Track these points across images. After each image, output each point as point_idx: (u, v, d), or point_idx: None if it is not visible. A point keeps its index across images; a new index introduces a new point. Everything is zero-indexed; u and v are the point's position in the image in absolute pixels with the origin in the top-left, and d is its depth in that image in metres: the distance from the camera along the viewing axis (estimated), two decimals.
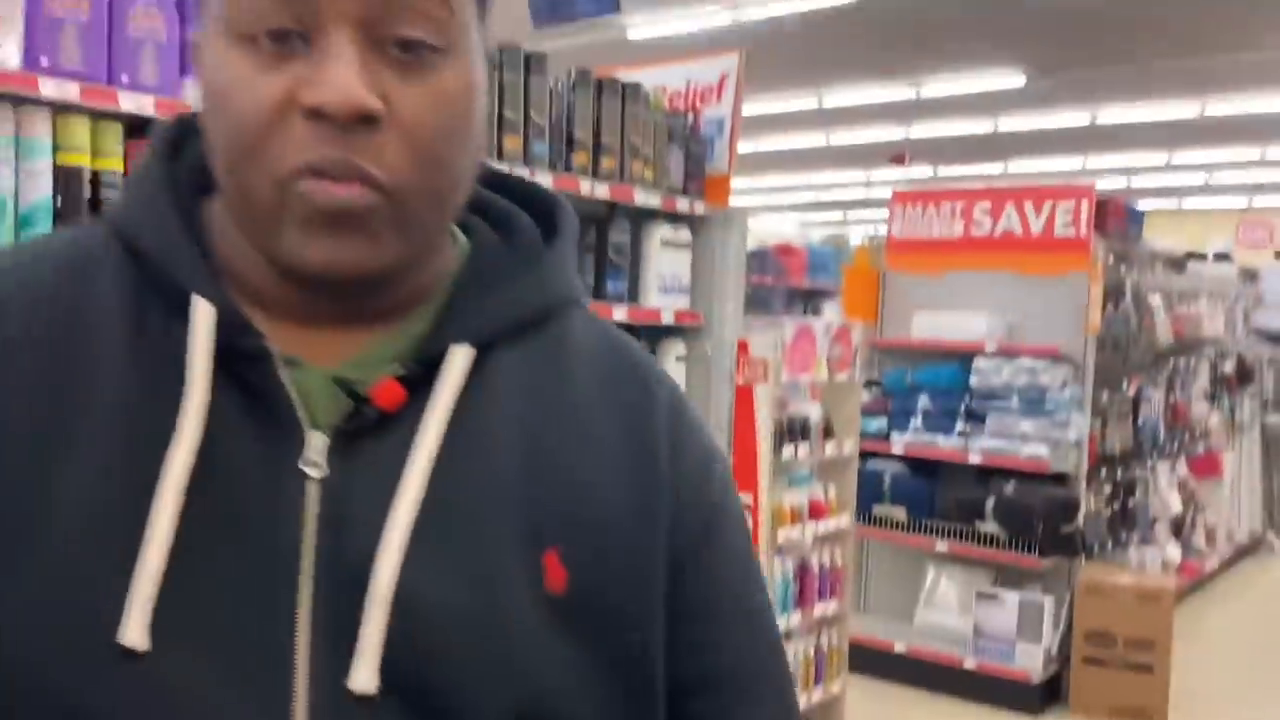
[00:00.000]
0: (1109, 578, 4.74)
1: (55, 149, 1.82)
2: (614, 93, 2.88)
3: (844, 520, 3.34)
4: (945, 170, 16.09)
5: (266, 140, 0.60)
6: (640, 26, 8.99)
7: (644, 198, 2.94)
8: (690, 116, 3.20)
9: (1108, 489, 5.25)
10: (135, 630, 0.58)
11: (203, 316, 0.63)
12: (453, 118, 0.63)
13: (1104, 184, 15.93)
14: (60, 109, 1.83)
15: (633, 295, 3.04)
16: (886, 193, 16.54)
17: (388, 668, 0.60)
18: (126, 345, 0.64)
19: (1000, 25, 8.89)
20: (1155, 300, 5.64)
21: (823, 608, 3.30)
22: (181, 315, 0.64)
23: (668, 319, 3.05)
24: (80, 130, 1.85)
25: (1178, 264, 6.56)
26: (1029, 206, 4.88)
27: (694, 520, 0.72)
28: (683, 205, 3.08)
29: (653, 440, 0.72)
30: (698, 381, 3.16)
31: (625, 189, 2.89)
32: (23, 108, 1.79)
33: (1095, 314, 4.77)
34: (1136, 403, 5.53)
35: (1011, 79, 10.65)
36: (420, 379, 0.66)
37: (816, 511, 3.22)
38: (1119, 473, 5.38)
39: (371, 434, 0.64)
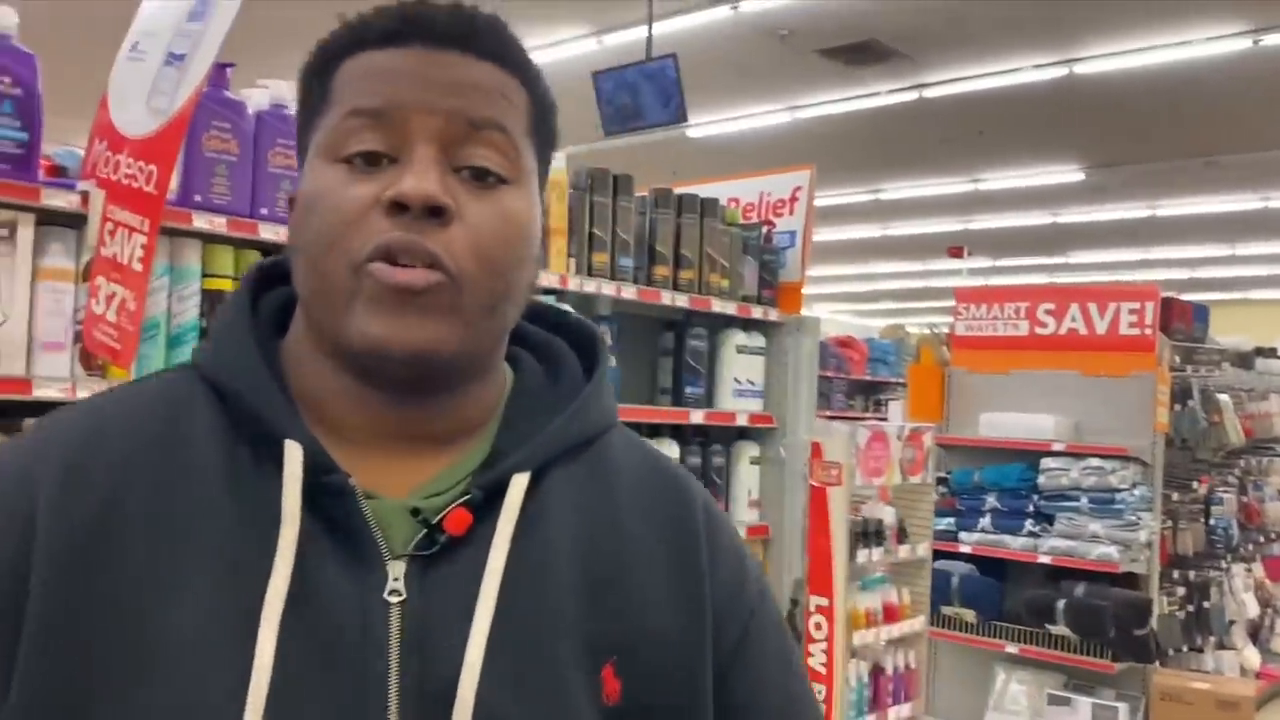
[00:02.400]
0: (1186, 683, 4.66)
1: (203, 275, 2.01)
2: (692, 208, 3.04)
3: (918, 623, 3.37)
4: (1004, 262, 16.09)
5: (350, 231, 0.69)
6: (701, 127, 9.24)
7: (720, 305, 3.08)
8: (764, 228, 3.35)
9: (1181, 591, 5.18)
10: None
11: (293, 457, 0.69)
12: (513, 232, 0.73)
13: (1166, 275, 15.81)
14: (208, 239, 2.02)
15: (709, 399, 3.16)
16: (944, 282, 16.43)
17: None
18: (223, 483, 0.70)
19: (1059, 121, 9.02)
20: (1224, 398, 5.63)
21: (897, 712, 3.32)
22: (271, 453, 0.70)
23: (742, 421, 3.15)
24: (225, 258, 2.03)
25: (1246, 360, 6.53)
26: (1093, 307, 4.93)
27: (735, 625, 0.79)
28: (757, 312, 3.21)
29: (694, 552, 0.79)
30: (771, 483, 3.25)
31: (703, 299, 3.03)
32: (177, 239, 1.98)
33: (1163, 413, 4.78)
34: (1208, 503, 5.48)
35: (1070, 173, 10.74)
36: (483, 503, 0.72)
37: (890, 615, 3.26)
38: (1191, 574, 5.31)
39: (443, 558, 0.71)
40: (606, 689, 0.71)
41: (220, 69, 2.04)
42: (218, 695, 0.63)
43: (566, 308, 0.91)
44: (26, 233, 1.80)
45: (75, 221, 1.87)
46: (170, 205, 1.90)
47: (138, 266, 1.69)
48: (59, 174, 2.04)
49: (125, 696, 0.64)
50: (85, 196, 1.84)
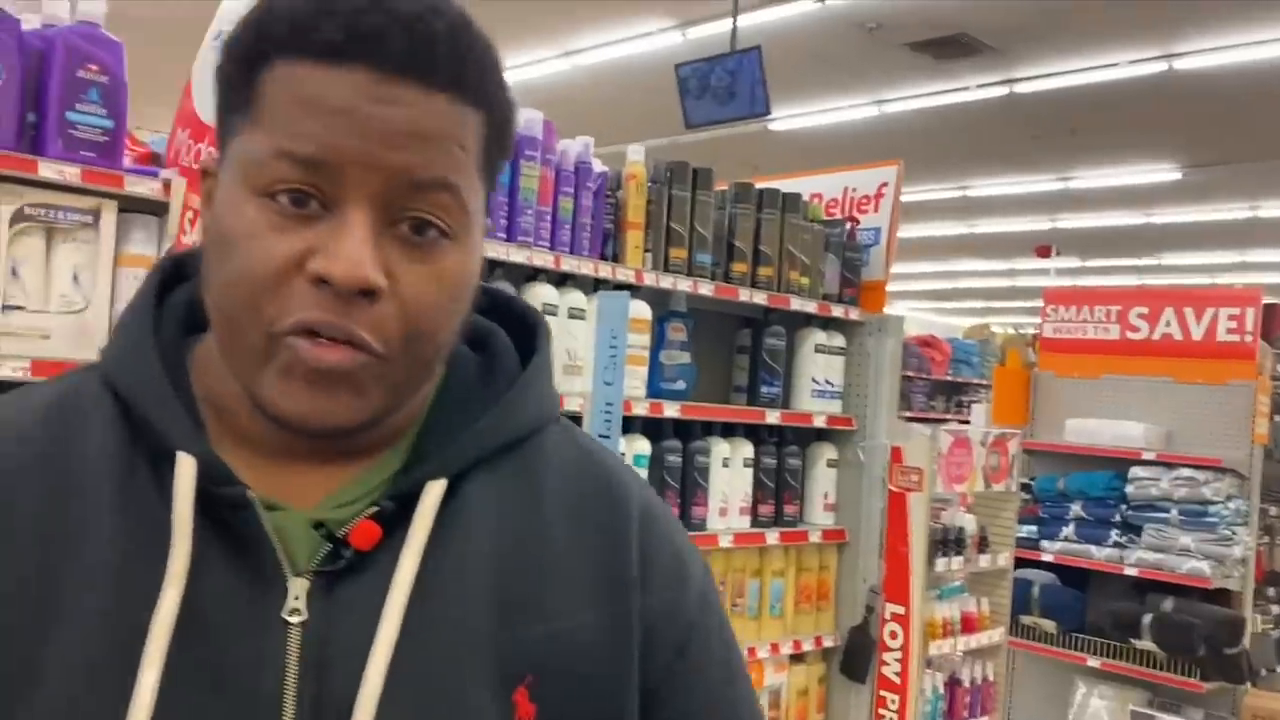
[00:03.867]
0: (1277, 706, 4.46)
1: None
2: (773, 204, 2.98)
3: (997, 634, 3.27)
4: (1094, 262, 15.65)
5: (269, 294, 0.63)
6: (785, 120, 9.14)
7: (799, 304, 3.01)
8: (847, 225, 3.27)
9: (1276, 609, 4.96)
10: None
11: (185, 472, 0.65)
12: (449, 298, 0.67)
13: (1265, 279, 15.22)
14: None
15: (786, 399, 3.09)
16: (1030, 282, 16.07)
17: None
18: (115, 496, 0.66)
19: (1154, 119, 8.73)
20: None
21: None
22: (166, 464, 0.66)
23: (819, 423, 3.08)
24: None
25: None
26: (1189, 311, 4.74)
27: (668, 640, 0.73)
28: (838, 311, 3.14)
29: (623, 564, 0.73)
30: (848, 487, 3.18)
31: (782, 297, 2.97)
32: None
33: (1262, 424, 4.57)
34: None
35: (1166, 172, 10.39)
36: (395, 514, 0.68)
37: (969, 625, 3.17)
38: None
39: (350, 573, 0.67)
40: (519, 713, 0.67)
41: None
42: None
43: (509, 290, 0.85)
44: (110, 219, 1.82)
45: (158, 209, 1.89)
46: None
47: None
48: (154, 160, 2.05)
49: (8, 716, 0.61)
50: (168, 185, 1.85)
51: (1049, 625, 4.71)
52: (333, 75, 0.63)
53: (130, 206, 1.87)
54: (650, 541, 0.75)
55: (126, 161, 1.93)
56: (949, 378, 9.44)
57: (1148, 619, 4.43)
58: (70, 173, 1.75)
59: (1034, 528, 4.83)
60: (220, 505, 0.66)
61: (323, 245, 0.63)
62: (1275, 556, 4.86)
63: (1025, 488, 4.92)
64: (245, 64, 0.66)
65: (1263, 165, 9.78)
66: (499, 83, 0.70)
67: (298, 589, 0.66)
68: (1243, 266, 15.38)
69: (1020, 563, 4.76)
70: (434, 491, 0.69)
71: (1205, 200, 11.43)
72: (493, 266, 2.41)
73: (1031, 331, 5.75)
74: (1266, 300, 4.69)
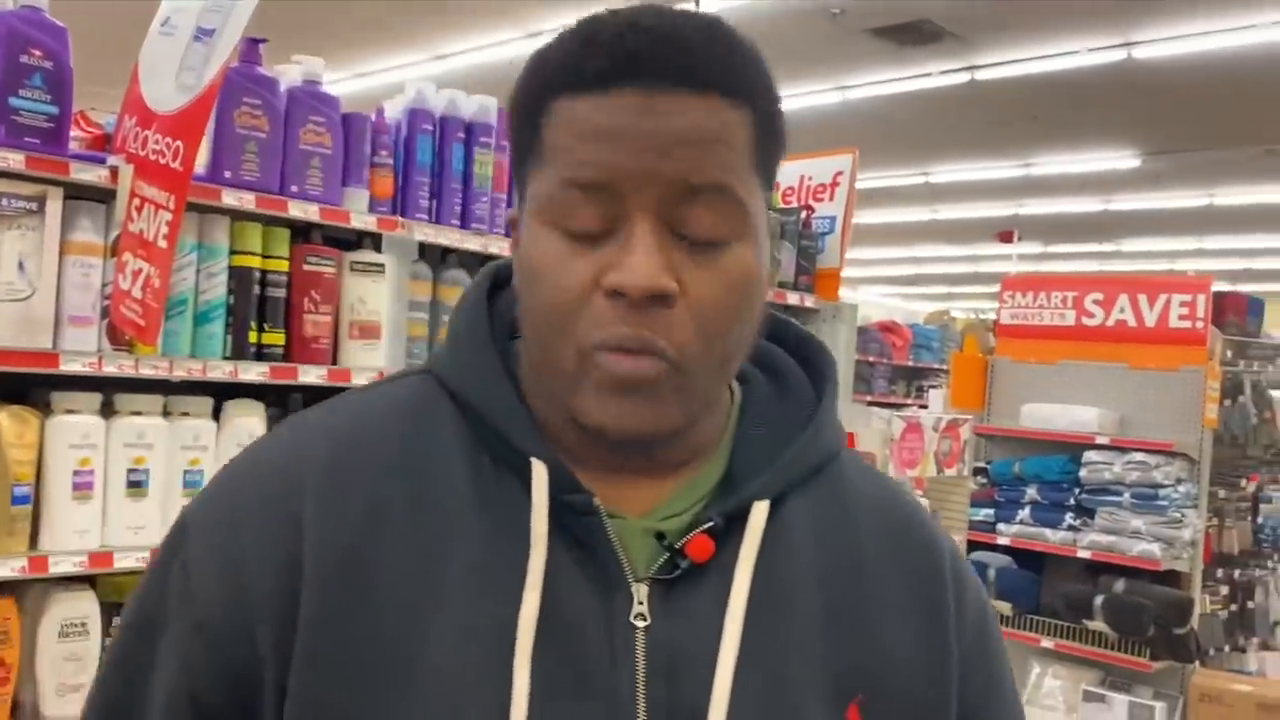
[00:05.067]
0: (1226, 684, 4.57)
1: (231, 253, 2.01)
2: None
3: None
4: (1055, 248, 15.81)
5: (574, 316, 0.68)
6: None
7: None
8: (803, 213, 3.29)
9: (1224, 590, 5.07)
10: None
11: (541, 479, 0.70)
12: (738, 298, 0.70)
13: (1221, 265, 15.46)
14: (237, 216, 2.02)
15: None
16: (992, 267, 16.20)
17: None
18: (472, 500, 0.70)
19: (1113, 106, 8.82)
20: (1276, 394, 5.48)
21: None
22: (514, 469, 0.71)
23: None
24: (254, 236, 2.03)
25: None
26: (1143, 298, 4.81)
27: (979, 675, 0.77)
28: (793, 298, 3.16)
29: (940, 598, 0.77)
30: None
31: None
32: (206, 216, 1.97)
33: (1212, 409, 4.66)
34: (1256, 501, 5.35)
35: (1125, 159, 10.51)
36: (721, 529, 0.71)
37: None
38: (1236, 573, 5.19)
39: (684, 583, 0.70)
40: None
41: (252, 44, 2.03)
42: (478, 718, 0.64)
43: (789, 318, 0.88)
44: (55, 206, 1.81)
45: (105, 196, 1.88)
46: (199, 182, 1.90)
47: (163, 243, 1.68)
48: (106, 143, 2.03)
49: (387, 713, 0.65)
50: (114, 171, 1.84)
51: (1004, 607, 4.79)
52: (604, 101, 0.67)
53: (76, 194, 1.85)
54: (961, 581, 0.80)
55: (75, 146, 1.91)
56: (909, 363, 9.52)
57: (1099, 600, 4.52)
58: (14, 159, 1.74)
59: (990, 511, 4.90)
60: (567, 511, 0.70)
61: (615, 261, 0.67)
62: (1224, 539, 4.97)
63: (982, 471, 4.99)
64: (529, 116, 0.71)
65: (1218, 154, 9.93)
66: (761, 77, 0.72)
67: (640, 594, 0.69)
68: (1200, 253, 15.61)
69: (977, 545, 4.84)
70: (760, 511, 0.72)
71: (1163, 187, 11.57)
72: (445, 253, 2.41)
73: (992, 317, 5.82)
74: (1217, 287, 4.77)
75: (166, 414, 1.98)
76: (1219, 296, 4.84)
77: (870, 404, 7.03)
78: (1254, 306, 5.52)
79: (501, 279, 0.80)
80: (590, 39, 0.68)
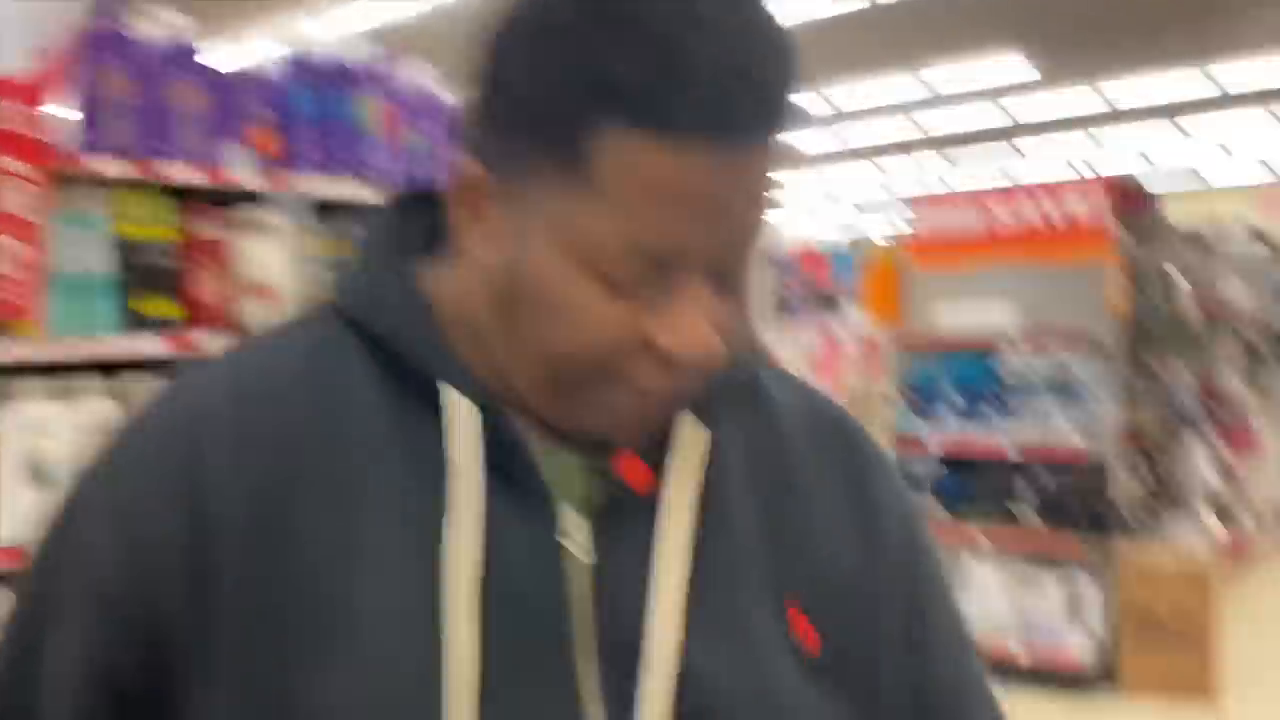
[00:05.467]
0: (1152, 558, 4.76)
1: (111, 221, 1.92)
2: None
3: None
4: (961, 164, 16.07)
5: (604, 358, 0.62)
6: None
7: None
8: None
9: (1144, 469, 5.26)
10: None
11: (461, 411, 0.65)
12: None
13: (1122, 163, 15.85)
14: (112, 184, 1.93)
15: None
16: (900, 185, 16.39)
17: None
18: (388, 437, 0.66)
19: (998, 6, 8.94)
20: (1181, 280, 5.65)
21: None
22: (434, 404, 0.66)
23: None
24: (133, 203, 1.94)
25: (1201, 242, 6.54)
26: (1046, 200, 4.91)
27: (911, 568, 0.78)
28: None
29: (871, 498, 0.76)
30: None
31: None
32: (78, 185, 1.88)
33: (1119, 299, 4.79)
34: (1168, 384, 5.54)
35: (1015, 63, 10.70)
36: (656, 459, 0.69)
37: None
38: (1154, 453, 5.39)
39: (628, 513, 0.68)
40: (807, 642, 0.69)
41: (113, 2, 1.93)
42: (416, 668, 0.61)
43: None
44: None
45: None
46: (68, 150, 1.81)
47: (32, 217, 1.60)
48: None
49: (323, 670, 0.61)
50: None
51: (936, 507, 4.92)
52: (687, 158, 0.58)
53: None
54: (886, 478, 0.79)
55: None
56: (831, 289, 9.63)
57: (1027, 491, 4.67)
58: None
59: (915, 419, 5.00)
60: (490, 444, 0.65)
61: (666, 321, 0.62)
62: (1140, 422, 5.13)
63: (905, 384, 5.08)
64: (567, 117, 0.60)
65: (1105, 51, 10.12)
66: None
67: (578, 526, 0.66)
68: (1101, 154, 15.98)
69: (906, 455, 4.95)
70: (692, 431, 0.69)
71: (1055, 86, 11.79)
72: (350, 209, 2.35)
73: (903, 234, 5.89)
74: (1113, 179, 4.87)
75: (63, 397, 1.90)
76: (1118, 190, 4.96)
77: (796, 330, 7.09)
78: (1152, 197, 5.66)
79: (412, 204, 0.75)
80: (673, 70, 0.58)
